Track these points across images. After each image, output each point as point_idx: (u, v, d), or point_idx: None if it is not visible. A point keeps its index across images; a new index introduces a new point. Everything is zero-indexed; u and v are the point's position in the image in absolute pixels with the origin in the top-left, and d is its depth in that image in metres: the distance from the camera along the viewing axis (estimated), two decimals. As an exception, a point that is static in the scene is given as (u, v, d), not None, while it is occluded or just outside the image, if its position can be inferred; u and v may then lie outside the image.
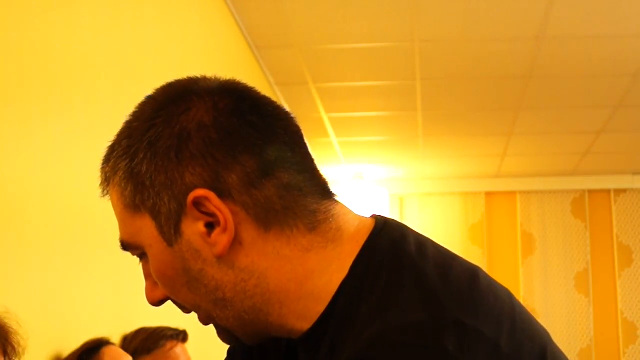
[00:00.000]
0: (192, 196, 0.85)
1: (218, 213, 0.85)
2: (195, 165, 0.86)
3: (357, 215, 0.94)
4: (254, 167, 0.86)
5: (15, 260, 1.68)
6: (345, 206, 0.94)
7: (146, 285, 0.93)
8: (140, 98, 0.93)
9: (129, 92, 2.20)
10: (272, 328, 0.90)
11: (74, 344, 1.81)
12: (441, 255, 0.90)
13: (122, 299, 2.21)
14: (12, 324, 1.26)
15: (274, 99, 0.95)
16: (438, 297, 0.83)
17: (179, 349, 2.22)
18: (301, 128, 0.94)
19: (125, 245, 0.92)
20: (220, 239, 0.86)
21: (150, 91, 0.93)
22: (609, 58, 3.94)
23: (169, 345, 2.20)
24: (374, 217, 0.95)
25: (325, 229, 0.89)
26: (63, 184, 1.89)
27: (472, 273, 0.89)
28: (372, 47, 3.84)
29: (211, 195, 0.85)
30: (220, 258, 0.87)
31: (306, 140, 0.95)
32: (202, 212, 0.86)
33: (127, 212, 0.89)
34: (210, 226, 0.86)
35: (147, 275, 0.93)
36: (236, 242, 0.86)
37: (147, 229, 0.88)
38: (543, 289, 6.04)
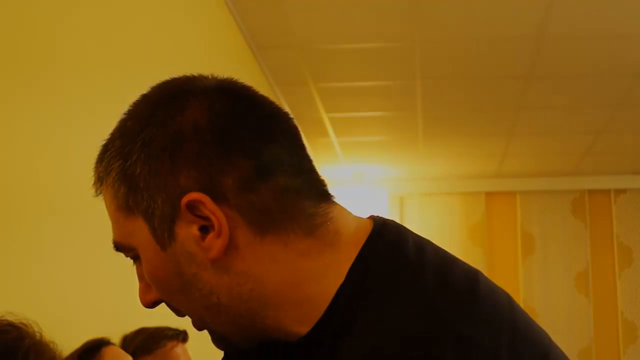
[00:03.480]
0: (186, 199, 0.83)
1: (212, 217, 0.84)
2: (190, 167, 0.84)
3: (355, 217, 0.92)
4: (250, 170, 0.85)
5: (15, 259, 1.68)
6: (343, 208, 0.92)
7: (139, 287, 0.92)
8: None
9: (128, 92, 2.19)
10: (269, 331, 0.89)
11: (74, 344, 1.81)
12: (440, 259, 0.89)
13: (122, 299, 2.21)
14: (35, 327, 1.25)
15: (274, 99, 0.94)
16: (437, 306, 0.81)
17: (179, 349, 2.22)
18: (300, 128, 0.93)
19: (118, 247, 0.91)
20: (215, 243, 0.84)
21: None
22: (609, 58, 3.94)
23: (169, 345, 2.20)
24: (372, 218, 0.93)
25: (323, 232, 0.87)
26: (62, 182, 1.89)
27: (472, 278, 0.87)
28: (372, 47, 3.84)
29: (205, 198, 0.83)
30: (214, 262, 0.85)
31: (305, 141, 0.93)
32: (197, 216, 0.84)
33: (120, 214, 0.88)
34: (205, 230, 0.84)
35: (141, 277, 0.91)
36: (231, 246, 0.85)
37: (140, 231, 0.87)
38: (543, 289, 6.04)
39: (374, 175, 5.92)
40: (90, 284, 2.05)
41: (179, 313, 0.92)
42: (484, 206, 6.18)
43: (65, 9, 1.93)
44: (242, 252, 0.85)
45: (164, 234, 0.85)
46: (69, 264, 1.92)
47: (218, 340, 0.92)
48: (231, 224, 0.84)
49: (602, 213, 6.12)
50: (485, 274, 0.90)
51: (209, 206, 0.84)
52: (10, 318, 1.24)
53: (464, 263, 0.91)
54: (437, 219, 6.16)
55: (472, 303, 0.83)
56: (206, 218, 0.84)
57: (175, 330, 2.22)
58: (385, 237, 0.89)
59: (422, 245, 0.90)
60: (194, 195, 0.84)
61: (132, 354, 1.95)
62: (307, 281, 0.86)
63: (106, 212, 0.92)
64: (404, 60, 3.97)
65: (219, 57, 3.36)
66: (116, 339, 2.10)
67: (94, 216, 1.95)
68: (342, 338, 0.84)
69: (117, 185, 0.87)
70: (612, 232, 6.09)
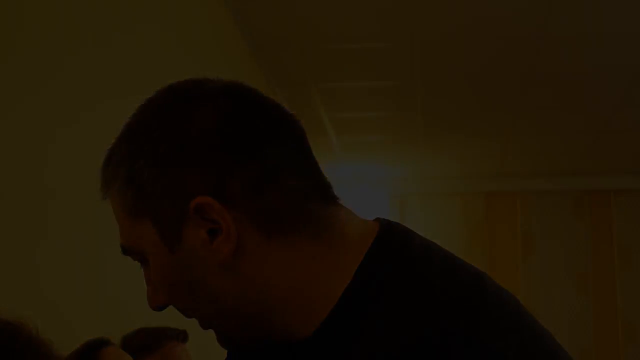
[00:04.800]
0: (194, 203, 0.83)
1: (220, 220, 0.83)
2: (197, 171, 0.84)
3: (361, 219, 0.92)
4: (258, 173, 0.84)
5: (15, 259, 1.68)
6: (349, 210, 0.92)
7: (148, 290, 0.91)
8: (139, 99, 0.91)
9: (128, 92, 2.20)
10: (275, 333, 0.88)
11: (74, 344, 1.81)
12: (447, 261, 0.89)
13: (123, 299, 2.21)
14: (31, 324, 1.25)
15: (273, 99, 0.94)
16: (445, 309, 0.82)
17: (179, 349, 2.22)
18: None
19: (126, 250, 0.90)
20: (223, 246, 0.84)
21: (149, 92, 0.91)
22: (609, 58, 3.94)
23: (169, 345, 2.20)
24: (379, 220, 0.92)
25: (330, 235, 0.87)
26: (64, 182, 1.89)
27: (479, 280, 0.87)
28: (372, 47, 3.84)
29: (213, 202, 0.83)
30: (222, 265, 0.85)
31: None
32: (205, 219, 0.84)
33: (127, 218, 0.87)
34: (213, 233, 0.84)
35: (149, 280, 0.91)
36: (239, 249, 0.84)
37: (148, 235, 0.86)
38: (543, 289, 6.04)
39: (374, 175, 5.92)
40: (91, 284, 2.05)
41: (187, 315, 0.91)
42: (484, 206, 6.18)
43: (65, 9, 1.93)
44: (250, 255, 0.85)
45: (172, 238, 0.85)
46: (70, 264, 1.92)
47: (224, 341, 0.92)
48: (239, 227, 0.84)
49: (602, 213, 6.13)
50: (486, 274, 0.90)
51: (217, 210, 0.83)
52: (5, 316, 1.24)
53: (470, 265, 0.90)
54: (438, 219, 6.15)
55: (480, 305, 0.84)
56: (214, 221, 0.84)
57: (175, 330, 2.22)
58: (392, 239, 0.89)
59: (428, 248, 0.90)
60: (202, 199, 0.83)
61: (132, 354, 1.95)
62: (315, 283, 0.86)
63: (108, 214, 0.91)
64: (405, 60, 3.97)
65: (219, 57, 3.37)
66: (116, 339, 2.11)
67: (95, 217, 1.95)
68: (349, 339, 0.84)
69: (125, 189, 0.87)
70: (612, 232, 6.09)
